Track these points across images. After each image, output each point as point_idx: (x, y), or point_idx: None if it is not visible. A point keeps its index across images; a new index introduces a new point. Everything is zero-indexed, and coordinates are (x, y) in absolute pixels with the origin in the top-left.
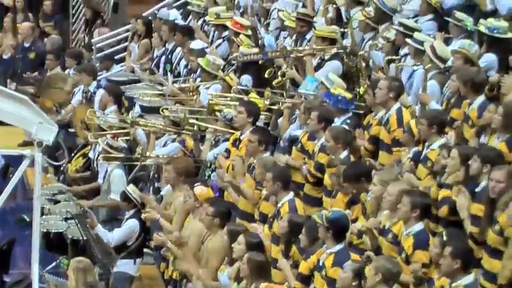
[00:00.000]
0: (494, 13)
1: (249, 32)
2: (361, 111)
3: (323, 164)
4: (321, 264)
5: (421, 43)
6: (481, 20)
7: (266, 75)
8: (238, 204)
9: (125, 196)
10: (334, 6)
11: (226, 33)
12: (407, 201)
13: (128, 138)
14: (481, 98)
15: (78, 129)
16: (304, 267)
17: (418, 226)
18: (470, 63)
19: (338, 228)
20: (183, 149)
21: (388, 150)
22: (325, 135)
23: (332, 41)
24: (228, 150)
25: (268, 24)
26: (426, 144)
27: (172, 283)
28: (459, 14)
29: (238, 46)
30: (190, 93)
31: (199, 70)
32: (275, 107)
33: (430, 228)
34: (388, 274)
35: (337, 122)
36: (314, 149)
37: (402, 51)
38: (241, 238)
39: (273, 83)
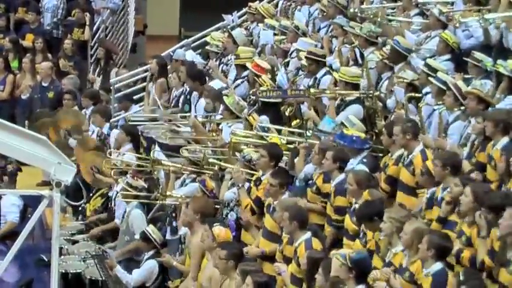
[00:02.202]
0: (509, 53)
1: (269, 75)
2: (380, 154)
3: (342, 206)
4: None
5: (444, 82)
6: (500, 61)
7: (287, 113)
8: (259, 244)
9: (144, 236)
10: (351, 46)
11: (246, 73)
12: (425, 240)
13: (147, 177)
14: (505, 139)
15: (85, 174)
16: None
17: (437, 266)
18: (484, 103)
19: (361, 269)
20: (204, 188)
21: (408, 191)
22: (348, 178)
23: (354, 85)
24: (249, 189)
25: (287, 63)
26: (441, 186)
27: None
28: (478, 55)
29: (260, 86)
30: (212, 133)
31: (221, 108)
32: (291, 146)
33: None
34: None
35: (354, 162)
36: (329, 191)
37: (424, 90)
38: (248, 279)
39: (292, 123)
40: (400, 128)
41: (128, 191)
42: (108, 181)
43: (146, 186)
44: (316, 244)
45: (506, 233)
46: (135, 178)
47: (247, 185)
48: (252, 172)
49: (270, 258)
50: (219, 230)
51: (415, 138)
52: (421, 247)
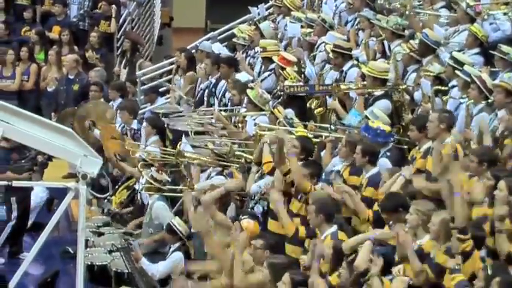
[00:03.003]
0: None
1: (295, 68)
2: (405, 146)
3: (371, 197)
4: None
5: (470, 75)
6: None
7: (312, 106)
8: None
9: (169, 229)
10: (377, 39)
11: (272, 66)
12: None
13: (173, 169)
14: None
15: (113, 163)
16: None
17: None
18: None
19: (386, 263)
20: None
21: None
22: (384, 176)
23: (383, 80)
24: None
25: (314, 57)
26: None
27: None
28: (505, 48)
29: (285, 79)
30: (237, 125)
31: (245, 101)
32: (317, 140)
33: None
34: None
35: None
36: (361, 182)
37: (450, 83)
38: (286, 277)
39: (315, 112)
40: (438, 116)
41: (151, 184)
42: (132, 171)
43: (170, 180)
44: (343, 236)
45: None
46: (160, 172)
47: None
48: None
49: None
50: (247, 222)
51: (448, 130)
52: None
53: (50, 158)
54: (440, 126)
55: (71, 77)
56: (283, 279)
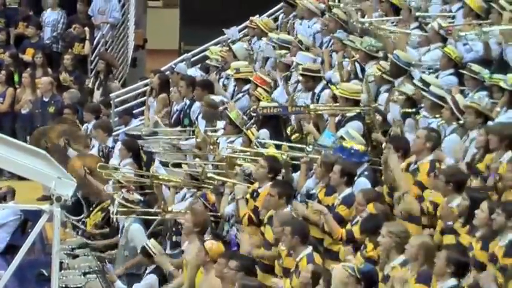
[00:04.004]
0: (509, 67)
1: (269, 89)
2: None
3: (343, 216)
4: None
5: (438, 97)
6: (499, 76)
7: (288, 132)
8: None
9: (144, 251)
10: (351, 60)
11: (246, 87)
12: (444, 256)
13: (147, 192)
14: (510, 153)
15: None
16: None
17: (452, 282)
18: (483, 116)
19: (370, 281)
20: (205, 202)
21: None
22: (358, 197)
23: (355, 101)
24: (246, 201)
25: (288, 77)
26: (445, 200)
27: None
28: (475, 67)
29: (258, 99)
30: (211, 146)
31: (224, 123)
32: (296, 162)
33: None
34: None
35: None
36: (334, 202)
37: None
38: None
39: (291, 138)
40: (426, 133)
41: (125, 206)
42: (98, 186)
43: (142, 199)
44: (318, 259)
45: None
46: (130, 192)
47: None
48: (249, 185)
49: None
50: (211, 243)
51: (432, 150)
52: (438, 263)
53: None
54: (426, 144)
55: (46, 99)
56: None
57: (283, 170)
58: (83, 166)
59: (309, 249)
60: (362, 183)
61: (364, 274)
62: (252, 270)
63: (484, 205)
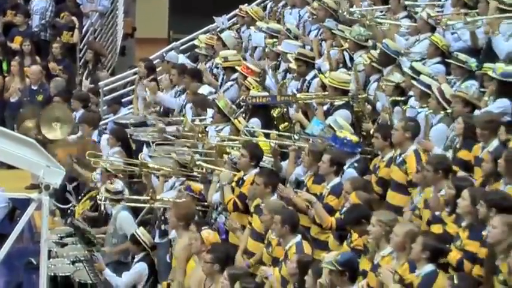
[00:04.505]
0: (497, 56)
1: (257, 78)
2: (368, 156)
3: (332, 206)
4: None
5: (427, 86)
6: (489, 65)
7: (275, 114)
8: (247, 246)
9: (133, 239)
10: (339, 49)
11: (235, 75)
12: (420, 242)
13: (136, 180)
14: (496, 142)
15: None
16: None
17: (429, 267)
18: (470, 105)
19: (353, 269)
20: (191, 194)
21: (399, 190)
22: (346, 185)
23: (343, 90)
24: (232, 188)
25: (277, 66)
26: (432, 189)
27: None
28: (462, 56)
29: (247, 88)
30: (199, 134)
31: (212, 112)
32: (285, 150)
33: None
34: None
35: (345, 165)
36: (322, 191)
37: (410, 93)
38: (237, 285)
39: (280, 127)
40: (403, 124)
41: (107, 196)
42: (86, 174)
43: (121, 189)
44: (307, 247)
45: (496, 241)
46: (110, 181)
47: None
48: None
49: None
50: (207, 233)
51: (413, 138)
52: (414, 248)
53: None
54: (405, 134)
55: (35, 87)
56: (235, 286)
57: (272, 159)
58: (70, 156)
59: (298, 237)
60: (349, 174)
61: (343, 264)
62: (227, 263)
63: (466, 193)
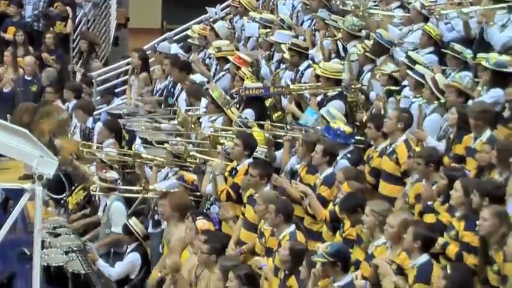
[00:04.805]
0: (490, 46)
1: (250, 69)
2: (361, 146)
3: (324, 197)
4: None
5: (422, 76)
6: (482, 55)
7: (267, 104)
8: (240, 236)
9: (126, 229)
10: (333, 39)
11: (228, 65)
12: (411, 232)
13: (129, 171)
14: (489, 132)
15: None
16: None
17: (423, 258)
18: (464, 95)
19: (344, 259)
20: (184, 184)
21: (391, 180)
22: (338, 175)
23: (336, 80)
24: (225, 178)
25: (270, 56)
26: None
27: None
28: (458, 46)
29: (241, 79)
30: (192, 125)
31: (206, 102)
32: (279, 141)
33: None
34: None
35: (338, 156)
36: (315, 182)
37: (404, 83)
38: (231, 275)
39: (273, 117)
40: (397, 114)
41: (102, 184)
42: (86, 170)
43: (116, 178)
44: (301, 237)
45: (488, 233)
46: (104, 170)
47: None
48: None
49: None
50: (202, 223)
51: (404, 130)
52: (406, 238)
53: None
54: (398, 125)
55: (28, 78)
56: (230, 276)
57: (264, 149)
58: (70, 153)
59: (292, 227)
60: (342, 165)
61: (334, 255)
62: (222, 253)
63: (458, 184)
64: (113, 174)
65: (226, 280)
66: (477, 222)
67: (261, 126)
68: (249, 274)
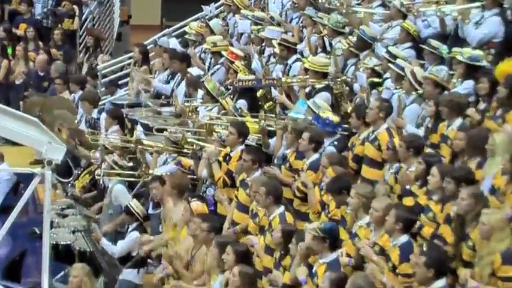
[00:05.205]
0: (464, 41)
1: (242, 62)
2: (345, 133)
3: (312, 181)
4: (313, 271)
5: (402, 69)
6: (457, 49)
7: (259, 95)
8: (233, 217)
9: (127, 210)
10: (319, 35)
11: (222, 59)
12: (393, 214)
13: (131, 156)
14: (460, 120)
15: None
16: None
17: (404, 238)
18: (440, 87)
19: (333, 237)
20: (181, 168)
21: (373, 165)
22: (323, 160)
23: (324, 73)
24: (219, 164)
25: (262, 50)
26: (403, 165)
27: None
28: (434, 42)
29: (235, 72)
30: (190, 114)
31: (202, 93)
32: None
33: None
34: None
35: (326, 143)
36: (303, 167)
37: (385, 75)
38: (229, 248)
39: (265, 106)
40: (379, 104)
41: (113, 168)
42: (87, 154)
43: (131, 166)
44: (289, 217)
45: (465, 211)
46: (121, 158)
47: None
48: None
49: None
50: (196, 204)
51: (385, 117)
52: (388, 220)
53: None
54: (380, 114)
55: (41, 74)
56: (227, 250)
57: (255, 136)
58: (74, 139)
59: (281, 208)
60: (329, 151)
61: (325, 232)
62: (220, 232)
63: (435, 170)
64: (126, 163)
65: (221, 257)
66: (456, 202)
67: (255, 117)
68: (245, 252)
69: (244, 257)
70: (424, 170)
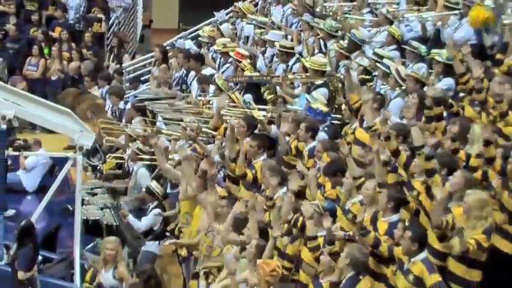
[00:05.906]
0: (443, 44)
1: (249, 61)
2: (339, 122)
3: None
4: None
5: (388, 67)
6: (436, 50)
7: (262, 90)
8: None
9: (148, 190)
10: (316, 37)
11: (231, 59)
12: (385, 194)
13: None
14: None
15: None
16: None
17: (395, 217)
18: (421, 83)
19: (332, 215)
20: (196, 154)
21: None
22: (317, 146)
23: (322, 72)
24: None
25: (265, 51)
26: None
27: (182, 259)
28: (414, 43)
29: (242, 70)
30: (204, 106)
31: (213, 88)
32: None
33: None
34: (356, 261)
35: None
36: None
37: (375, 73)
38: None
39: (267, 98)
40: (373, 95)
41: (138, 154)
42: (115, 141)
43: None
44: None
45: (454, 190)
46: (144, 144)
47: None
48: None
49: None
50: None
51: (378, 109)
52: (381, 199)
53: None
54: (374, 105)
55: (76, 77)
56: (249, 224)
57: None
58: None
59: (284, 189)
60: (321, 136)
61: (326, 209)
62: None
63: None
64: (148, 148)
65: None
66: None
67: (261, 109)
68: (264, 228)
69: (263, 233)
70: (409, 157)
